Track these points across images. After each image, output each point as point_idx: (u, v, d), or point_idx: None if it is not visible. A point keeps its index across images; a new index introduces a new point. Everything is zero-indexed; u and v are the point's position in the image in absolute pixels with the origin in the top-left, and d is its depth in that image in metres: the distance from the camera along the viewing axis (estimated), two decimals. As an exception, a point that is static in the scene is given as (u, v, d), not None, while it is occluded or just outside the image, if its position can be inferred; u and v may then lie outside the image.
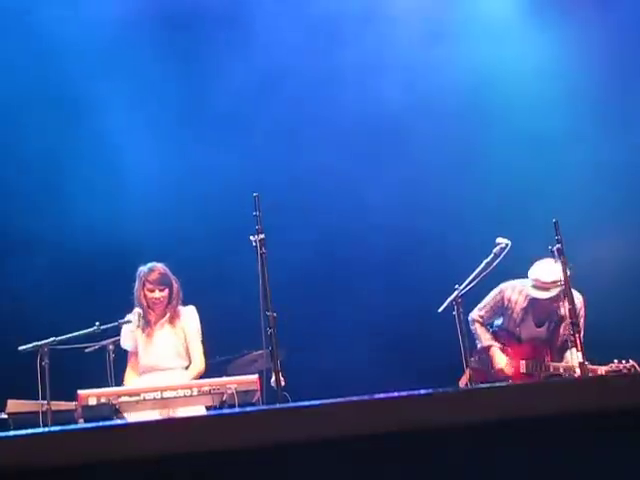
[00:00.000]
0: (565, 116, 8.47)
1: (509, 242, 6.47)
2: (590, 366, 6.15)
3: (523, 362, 6.48)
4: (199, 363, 6.14)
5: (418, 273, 8.03)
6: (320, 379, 7.21)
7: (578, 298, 6.43)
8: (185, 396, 5.35)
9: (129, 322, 6.13)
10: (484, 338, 6.58)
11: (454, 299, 6.28)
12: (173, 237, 8.13)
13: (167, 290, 6.23)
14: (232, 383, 5.41)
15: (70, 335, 5.84)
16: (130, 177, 8.24)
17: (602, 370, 6.34)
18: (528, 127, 8.49)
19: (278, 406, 4.29)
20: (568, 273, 6.02)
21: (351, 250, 8.40)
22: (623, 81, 8.52)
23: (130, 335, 6.22)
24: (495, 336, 6.63)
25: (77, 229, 7.94)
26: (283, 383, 5.43)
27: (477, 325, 6.63)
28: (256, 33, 8.48)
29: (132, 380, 6.16)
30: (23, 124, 8.12)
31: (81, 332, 5.91)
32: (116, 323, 6.15)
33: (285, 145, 8.44)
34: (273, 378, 5.43)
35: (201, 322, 6.29)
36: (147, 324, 6.20)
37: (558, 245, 6.02)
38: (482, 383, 6.41)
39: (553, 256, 6.07)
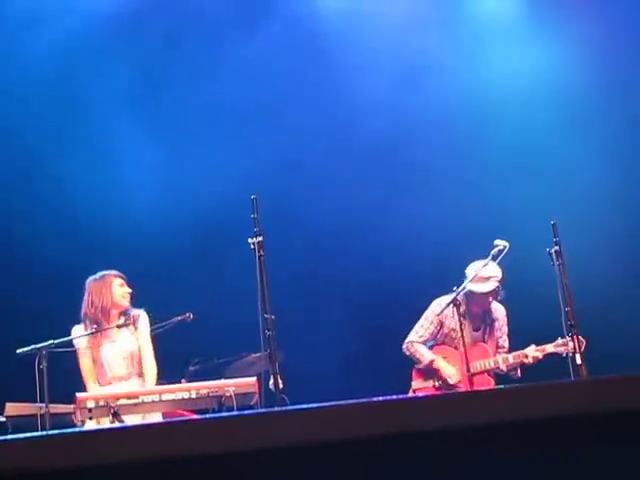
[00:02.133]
0: (564, 117, 8.47)
1: (507, 244, 6.49)
2: (537, 347, 6.54)
3: (470, 364, 6.51)
4: (153, 370, 6.09)
5: (417, 275, 8.02)
6: (318, 382, 7.21)
7: (501, 311, 6.84)
8: (183, 399, 5.34)
9: (128, 325, 6.12)
10: (426, 355, 6.70)
11: (452, 301, 6.29)
12: (172, 239, 8.12)
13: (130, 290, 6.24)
14: (230, 386, 5.40)
15: (68, 338, 5.84)
16: (128, 179, 8.23)
17: (550, 347, 6.51)
18: (527, 129, 8.49)
19: (276, 409, 4.29)
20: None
21: (350, 252, 8.39)
22: (623, 83, 8.50)
23: (86, 339, 6.08)
24: (434, 352, 6.78)
25: (75, 231, 7.94)
26: (281, 386, 5.42)
27: (416, 345, 6.77)
28: (258, 38, 8.50)
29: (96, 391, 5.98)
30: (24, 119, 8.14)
31: (79, 335, 5.90)
32: (114, 326, 6.14)
33: (284, 147, 8.43)
34: (271, 381, 5.41)
35: (199, 325, 6.29)
36: (100, 329, 6.08)
37: (556, 247, 6.03)
38: None
39: (551, 259, 6.07)
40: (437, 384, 6.62)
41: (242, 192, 5.79)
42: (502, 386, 6.19)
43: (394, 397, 1.98)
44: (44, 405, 5.58)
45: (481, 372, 6.58)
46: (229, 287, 7.74)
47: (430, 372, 6.68)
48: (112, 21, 8.29)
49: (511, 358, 6.62)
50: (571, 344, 6.38)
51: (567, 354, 6.35)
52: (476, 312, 6.75)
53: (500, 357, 6.65)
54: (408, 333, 7.03)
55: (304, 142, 8.46)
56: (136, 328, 6.16)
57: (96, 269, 7.86)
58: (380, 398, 1.97)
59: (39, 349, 5.66)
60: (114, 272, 6.27)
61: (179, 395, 5.34)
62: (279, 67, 8.55)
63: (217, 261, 8.03)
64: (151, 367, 6.10)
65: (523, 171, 8.35)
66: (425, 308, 6.83)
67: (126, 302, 6.18)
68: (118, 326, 6.10)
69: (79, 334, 6.05)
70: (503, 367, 6.63)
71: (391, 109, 8.46)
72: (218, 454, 1.86)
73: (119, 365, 6.08)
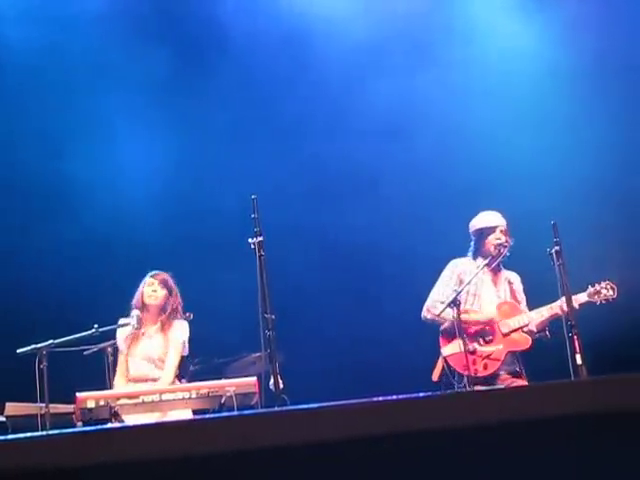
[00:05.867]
0: (562, 115, 8.45)
1: (507, 245, 6.50)
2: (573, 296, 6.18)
3: (501, 323, 6.36)
4: (167, 376, 6.14)
5: (416, 274, 8.00)
6: (319, 382, 7.20)
7: (516, 277, 6.61)
8: (184, 399, 5.35)
9: (127, 325, 6.13)
10: (449, 310, 6.20)
11: (453, 300, 6.26)
12: (171, 239, 8.12)
13: (165, 292, 6.27)
14: (231, 386, 5.40)
15: (68, 338, 5.84)
16: (129, 179, 8.24)
17: (583, 296, 6.29)
18: (525, 126, 8.47)
19: (277, 409, 4.28)
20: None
21: (349, 252, 8.39)
22: (622, 78, 8.45)
23: (125, 337, 6.22)
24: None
25: (74, 232, 7.94)
26: (282, 386, 5.42)
27: (437, 305, 6.36)
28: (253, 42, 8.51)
29: (121, 387, 6.12)
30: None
31: (79, 335, 5.90)
32: (114, 326, 6.15)
33: (283, 147, 8.43)
34: (272, 381, 5.41)
35: (199, 325, 6.29)
36: (138, 329, 6.19)
37: (556, 247, 6.02)
38: (461, 368, 6.25)
39: (551, 259, 6.04)
40: (471, 348, 6.20)
41: (242, 192, 5.80)
42: (501, 386, 6.20)
43: (394, 397, 1.98)
44: (44, 405, 5.58)
45: (515, 330, 6.32)
46: (229, 287, 7.74)
47: (459, 330, 6.19)
48: (116, 20, 8.29)
49: (545, 311, 6.30)
50: (604, 291, 6.32)
51: (601, 302, 6.28)
52: (488, 249, 6.53)
53: (533, 312, 6.35)
54: (407, 333, 7.00)
55: (303, 141, 8.46)
56: (165, 334, 6.23)
57: (95, 269, 7.90)
58: (381, 398, 1.97)
59: (39, 349, 5.67)
60: (152, 272, 6.39)
61: (179, 395, 5.35)
62: (275, 67, 8.55)
63: (217, 261, 8.03)
64: (167, 374, 6.15)
65: (523, 170, 8.33)
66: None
67: (152, 301, 6.27)
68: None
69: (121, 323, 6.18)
70: (533, 326, 6.34)
71: (386, 110, 8.46)
72: (218, 454, 1.86)
73: (138, 366, 6.17)
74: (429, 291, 6.72)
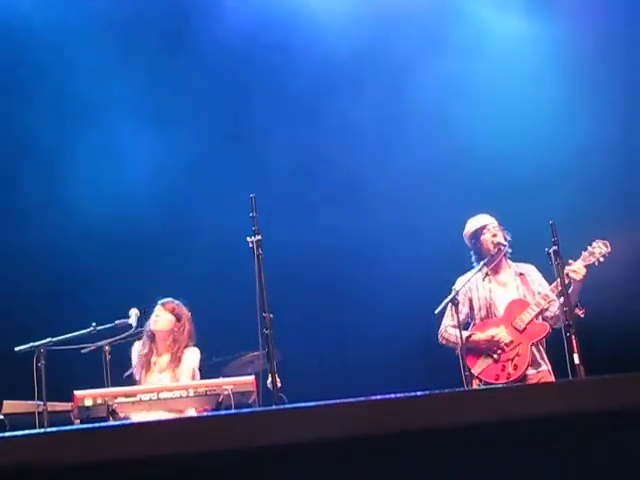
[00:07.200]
0: (561, 114, 8.45)
1: (506, 243, 6.50)
2: (568, 267, 6.11)
3: (515, 322, 6.29)
4: None
5: (415, 274, 8.02)
6: (316, 380, 7.21)
7: (529, 266, 6.52)
8: (181, 397, 5.34)
9: (127, 324, 6.11)
10: (462, 334, 6.19)
11: (451, 300, 6.26)
12: (170, 238, 8.13)
13: (171, 318, 6.22)
14: (228, 384, 5.40)
15: (66, 336, 5.84)
16: (129, 177, 8.24)
17: (580, 263, 6.21)
18: (525, 125, 8.47)
19: (274, 407, 4.28)
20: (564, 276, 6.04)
21: (348, 250, 8.39)
22: (622, 76, 8.44)
23: (138, 367, 6.19)
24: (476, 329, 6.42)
25: (73, 230, 7.94)
26: (279, 384, 5.42)
27: (449, 329, 6.38)
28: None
29: None
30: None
31: (77, 333, 5.90)
32: (112, 324, 6.14)
33: (282, 145, 8.44)
34: (269, 379, 5.42)
35: (197, 323, 6.28)
36: (147, 362, 6.17)
37: (555, 247, 6.00)
38: (494, 379, 6.25)
39: (549, 258, 6.03)
40: (495, 356, 6.24)
41: (241, 191, 5.80)
42: (501, 385, 6.20)
43: (393, 396, 1.98)
44: (42, 403, 5.58)
45: (530, 321, 6.25)
46: (227, 286, 7.74)
47: (477, 349, 6.29)
48: (113, 22, 8.29)
49: (550, 293, 6.22)
50: (597, 249, 6.24)
51: (599, 261, 6.20)
52: (497, 265, 6.47)
53: (540, 298, 6.27)
54: (406, 333, 6.99)
55: (303, 140, 8.46)
56: (177, 366, 6.18)
57: (94, 267, 7.91)
58: (379, 396, 1.97)
59: (37, 347, 5.67)
60: (162, 300, 6.29)
61: (177, 393, 5.34)
62: (273, 66, 8.56)
63: (216, 260, 8.03)
64: None
65: (522, 170, 8.32)
66: (422, 307, 6.75)
67: (157, 327, 6.19)
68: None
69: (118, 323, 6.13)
70: (554, 309, 6.23)
71: (385, 108, 8.47)
72: (215, 452, 1.86)
73: None
74: (427, 290, 6.73)
